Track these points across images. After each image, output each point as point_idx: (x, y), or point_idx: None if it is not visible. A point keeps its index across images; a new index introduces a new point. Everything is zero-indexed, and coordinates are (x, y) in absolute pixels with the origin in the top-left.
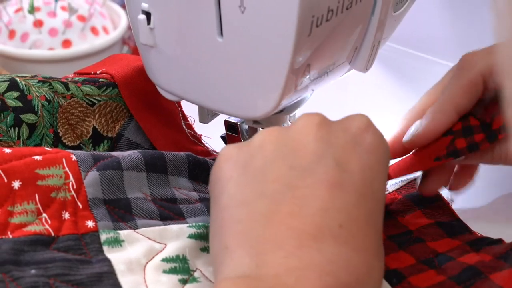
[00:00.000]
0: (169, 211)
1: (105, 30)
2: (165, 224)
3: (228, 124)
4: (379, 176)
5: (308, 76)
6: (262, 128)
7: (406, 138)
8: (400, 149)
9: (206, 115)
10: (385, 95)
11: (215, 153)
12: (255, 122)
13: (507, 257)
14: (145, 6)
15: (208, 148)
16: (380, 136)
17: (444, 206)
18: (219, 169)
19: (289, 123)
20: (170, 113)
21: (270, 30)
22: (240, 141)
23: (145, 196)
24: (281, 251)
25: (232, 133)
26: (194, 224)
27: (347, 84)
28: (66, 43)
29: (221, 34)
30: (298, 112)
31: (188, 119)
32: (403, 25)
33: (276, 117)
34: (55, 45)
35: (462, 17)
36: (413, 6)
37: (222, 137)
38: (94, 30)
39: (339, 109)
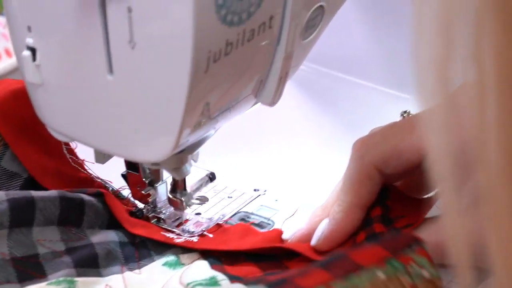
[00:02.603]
0: (30, 270)
1: (8, 53)
2: (22, 286)
3: (128, 162)
4: None
5: (207, 115)
6: (162, 169)
7: (313, 242)
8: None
9: (103, 156)
10: (302, 120)
11: (98, 180)
12: (154, 163)
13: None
14: (30, 41)
15: (91, 174)
16: None
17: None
18: None
19: (192, 162)
20: (50, 139)
21: (163, 68)
22: (141, 179)
23: (3, 256)
24: None
25: (133, 172)
26: (54, 280)
27: (257, 112)
28: None
29: (111, 71)
30: (200, 150)
31: (70, 144)
32: (320, 43)
33: (177, 158)
34: None
35: (385, 36)
36: (332, 24)
37: (122, 175)
38: None
39: (249, 142)
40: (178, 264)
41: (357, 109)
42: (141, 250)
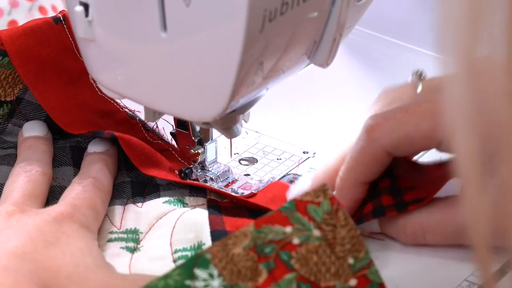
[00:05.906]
0: None
1: (54, 9)
2: None
3: (177, 120)
4: None
5: (260, 75)
6: (213, 129)
7: None
8: None
9: (152, 113)
10: (352, 83)
11: (125, 110)
12: (205, 123)
13: None
14: None
15: (118, 104)
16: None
17: None
18: None
19: (243, 122)
20: (76, 71)
21: (217, 26)
22: (191, 138)
23: None
24: None
25: (182, 130)
26: None
27: (308, 74)
28: (12, 24)
29: (165, 28)
30: (252, 111)
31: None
32: (372, 8)
33: (228, 118)
34: (0, 26)
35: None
36: None
37: (171, 133)
38: (42, 10)
39: (299, 104)
40: (179, 202)
41: (407, 73)
42: (151, 189)
